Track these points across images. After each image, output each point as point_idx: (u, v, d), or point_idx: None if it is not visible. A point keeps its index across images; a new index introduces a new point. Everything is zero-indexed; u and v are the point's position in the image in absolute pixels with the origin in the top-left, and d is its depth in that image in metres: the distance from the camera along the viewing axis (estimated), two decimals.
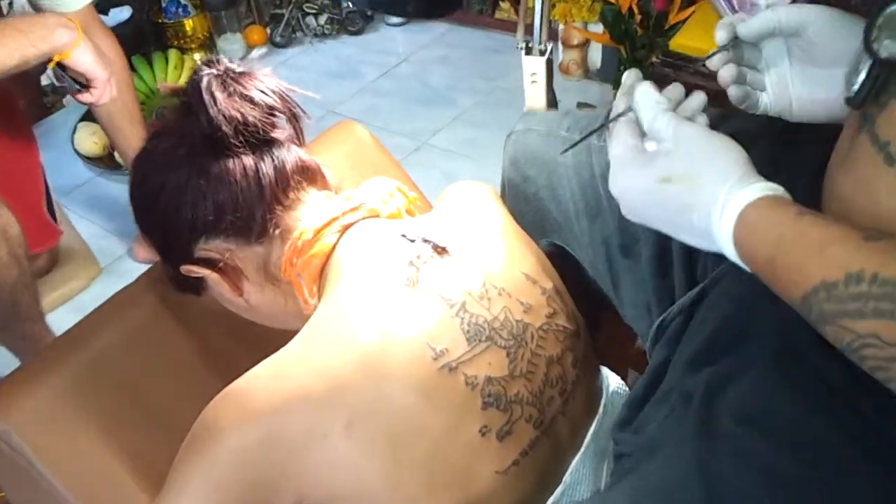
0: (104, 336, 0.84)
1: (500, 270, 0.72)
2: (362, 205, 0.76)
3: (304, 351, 0.65)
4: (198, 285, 0.80)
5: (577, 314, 0.78)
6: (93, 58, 1.26)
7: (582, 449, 0.73)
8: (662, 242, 0.79)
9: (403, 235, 0.72)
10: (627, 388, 0.82)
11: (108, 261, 1.82)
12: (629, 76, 0.63)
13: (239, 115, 0.71)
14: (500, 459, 0.65)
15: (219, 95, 0.71)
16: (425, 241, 0.72)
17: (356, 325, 0.65)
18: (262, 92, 0.74)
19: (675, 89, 0.62)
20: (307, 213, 0.75)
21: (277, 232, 0.74)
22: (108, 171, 2.07)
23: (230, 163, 0.72)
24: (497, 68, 2.36)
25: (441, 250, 0.71)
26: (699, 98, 0.61)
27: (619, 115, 0.62)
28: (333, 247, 0.73)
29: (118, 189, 2.03)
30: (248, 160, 0.73)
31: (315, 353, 0.65)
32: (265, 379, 0.64)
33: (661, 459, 0.61)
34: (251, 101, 0.73)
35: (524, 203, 0.92)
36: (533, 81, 1.18)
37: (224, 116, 0.71)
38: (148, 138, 0.80)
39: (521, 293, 0.72)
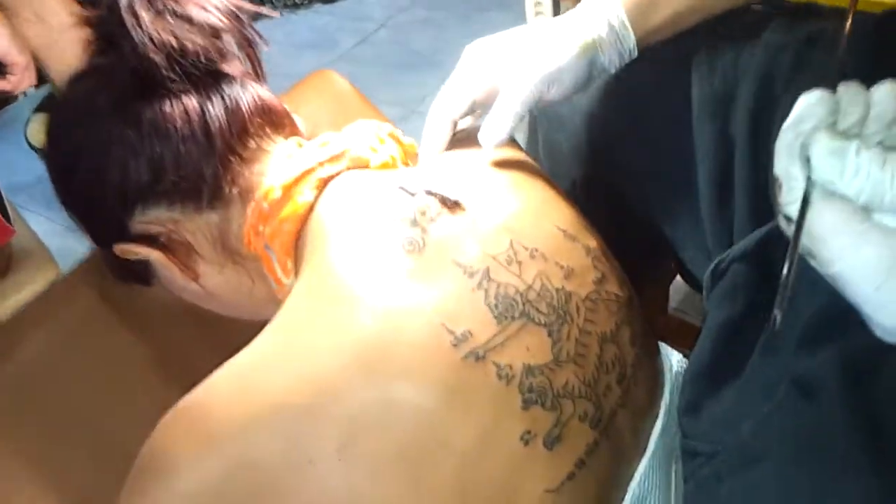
0: (30, 344, 0.67)
1: (531, 226, 0.55)
2: (345, 152, 0.58)
3: (279, 347, 0.48)
4: (143, 271, 0.63)
5: (626, 277, 0.61)
6: (8, 41, 1.08)
7: (649, 451, 0.57)
8: (724, 161, 0.62)
9: (402, 188, 0.55)
10: (686, 362, 0.65)
11: (68, 261, 1.63)
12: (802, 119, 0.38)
13: (173, 40, 0.54)
14: (550, 474, 0.48)
15: (144, 15, 0.54)
16: (430, 193, 0.54)
17: (346, 307, 0.48)
18: (204, 9, 0.56)
19: (881, 93, 0.37)
20: (274, 167, 0.58)
21: (235, 192, 0.57)
22: None
23: (166, 105, 0.55)
24: (485, 27, 2.16)
25: (452, 204, 0.54)
26: None
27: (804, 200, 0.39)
28: (311, 207, 0.55)
29: None
30: (191, 101, 0.56)
31: (293, 348, 0.48)
32: (227, 388, 0.48)
33: (775, 469, 0.44)
34: (189, 20, 0.55)
35: (557, 129, 0.75)
36: (538, 13, 1.01)
37: (153, 42, 0.53)
38: (65, 85, 0.62)
39: (560, 254, 0.55)
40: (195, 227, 0.58)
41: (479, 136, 0.61)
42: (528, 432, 0.47)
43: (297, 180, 0.55)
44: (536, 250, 0.53)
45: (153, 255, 0.58)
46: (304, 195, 0.55)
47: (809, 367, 0.45)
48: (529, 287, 0.51)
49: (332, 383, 0.46)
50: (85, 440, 0.65)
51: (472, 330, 0.48)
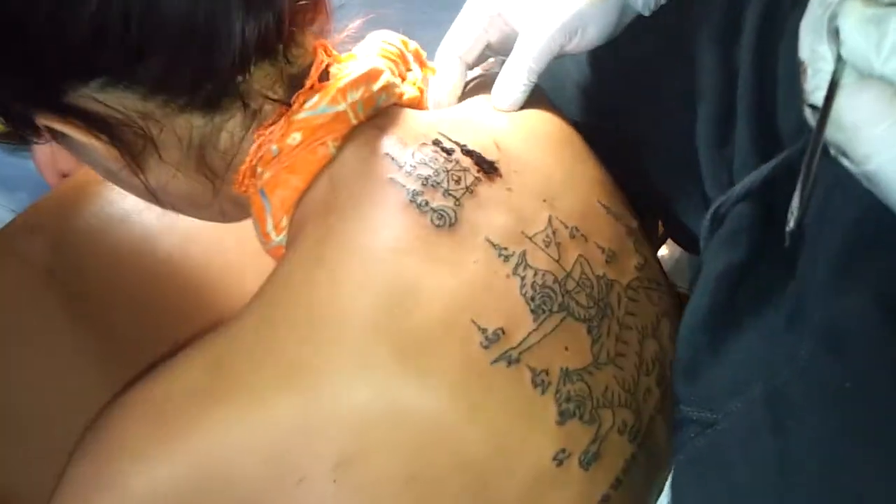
0: None
1: (571, 199, 0.47)
2: (382, 89, 0.47)
3: (265, 332, 0.39)
4: (33, 132, 0.45)
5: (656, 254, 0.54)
6: None
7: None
8: (726, 93, 0.52)
9: (437, 142, 0.46)
10: None
11: None
12: None
13: None
14: (583, 498, 0.41)
15: None
16: (467, 152, 0.46)
17: (353, 292, 0.40)
18: None
19: None
20: (301, 95, 0.45)
21: (243, 105, 0.44)
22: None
23: None
24: None
25: (490, 168, 0.45)
26: None
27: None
28: (329, 161, 0.45)
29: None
30: None
31: (283, 339, 0.39)
32: (199, 377, 0.39)
33: (809, 436, 0.38)
34: None
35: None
36: None
37: None
38: None
39: (601, 234, 0.47)
40: (170, 125, 0.44)
41: (493, 94, 0.52)
42: (563, 451, 0.40)
43: (323, 127, 0.45)
44: (577, 229, 0.46)
45: (94, 144, 0.43)
46: (324, 147, 0.45)
47: (841, 311, 0.38)
48: (568, 275, 0.44)
49: (330, 385, 0.38)
50: (12, 438, 0.55)
51: (506, 327, 0.40)
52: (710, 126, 0.52)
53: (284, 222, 0.45)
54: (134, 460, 0.37)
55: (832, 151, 0.32)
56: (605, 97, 0.60)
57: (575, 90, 0.61)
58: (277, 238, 0.45)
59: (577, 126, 0.54)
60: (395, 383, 0.38)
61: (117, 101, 0.42)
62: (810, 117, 0.32)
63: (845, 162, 0.32)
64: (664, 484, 0.49)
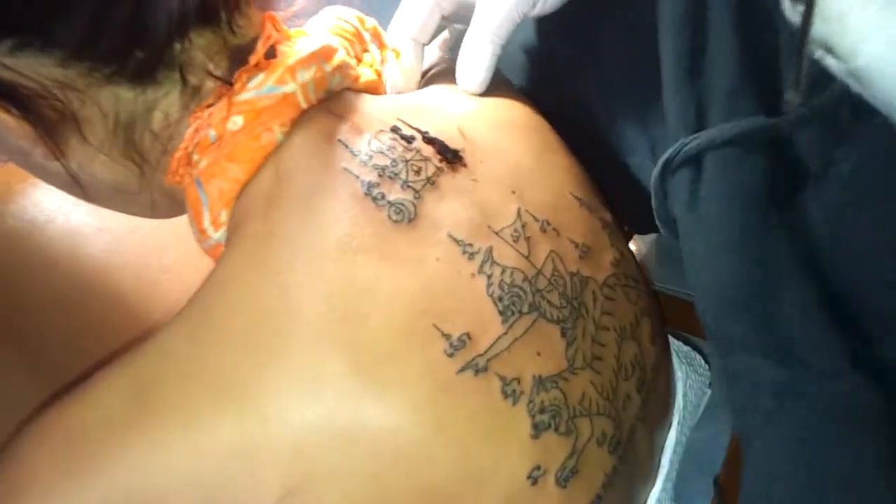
0: None
1: (542, 190, 0.43)
2: (335, 68, 0.43)
3: (195, 347, 0.35)
4: None
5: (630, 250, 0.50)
6: None
7: (664, 471, 0.47)
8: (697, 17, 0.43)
9: (395, 129, 0.42)
10: (703, 360, 0.55)
11: None
12: None
13: None
14: None
15: None
16: (429, 139, 0.41)
17: (299, 295, 0.35)
18: None
19: None
20: (244, 71, 0.40)
21: (180, 78, 0.39)
22: None
23: None
24: None
25: (453, 157, 0.41)
26: None
27: None
28: (275, 148, 0.40)
29: None
30: None
31: (219, 349, 0.34)
32: (118, 401, 0.34)
33: None
34: None
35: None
36: None
37: None
38: None
39: (575, 228, 0.43)
40: (94, 98, 0.38)
41: (457, 74, 0.48)
42: (538, 468, 0.36)
43: (268, 110, 0.40)
44: (548, 223, 0.42)
45: (2, 118, 0.37)
46: (269, 133, 0.40)
47: None
48: (539, 272, 0.40)
49: (274, 404, 0.33)
50: None
51: (472, 332, 0.36)
52: (679, 57, 0.43)
53: (224, 217, 0.40)
54: (44, 496, 0.32)
55: (817, 54, 0.28)
56: (550, 58, 0.56)
57: (521, 55, 0.57)
58: (216, 235, 0.41)
59: (527, 95, 0.50)
60: (349, 400, 0.34)
61: (30, 68, 0.35)
62: (790, 10, 0.29)
63: (831, 62, 0.28)
64: (647, 497, 0.45)
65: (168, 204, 0.44)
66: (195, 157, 0.39)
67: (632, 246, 0.84)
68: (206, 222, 0.40)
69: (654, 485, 0.46)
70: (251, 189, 0.40)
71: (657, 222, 0.45)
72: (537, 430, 0.36)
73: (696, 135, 0.41)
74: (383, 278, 0.36)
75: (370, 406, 0.34)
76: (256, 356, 0.34)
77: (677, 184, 0.42)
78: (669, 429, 0.48)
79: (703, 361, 0.55)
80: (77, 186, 0.41)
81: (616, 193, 0.51)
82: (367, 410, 0.34)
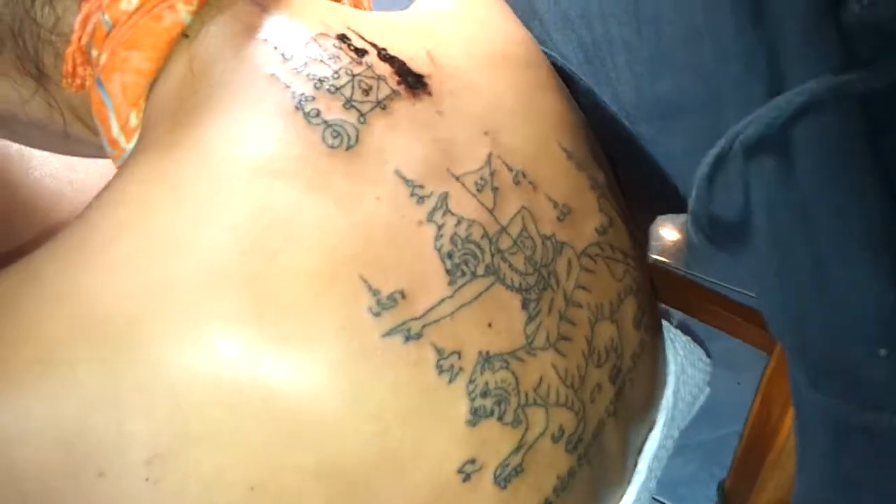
0: None
1: (523, 136, 0.36)
2: None
3: (67, 269, 0.28)
4: None
5: (636, 227, 0.43)
6: None
7: (641, 476, 0.40)
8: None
9: (343, 38, 0.35)
10: (704, 353, 0.49)
11: None
12: None
13: None
14: None
15: None
16: (386, 58, 0.35)
17: (198, 219, 0.29)
18: None
19: None
20: None
21: None
22: None
23: None
24: None
25: (415, 82, 0.35)
26: None
27: None
28: (181, 32, 0.34)
29: None
30: None
31: (92, 276, 0.28)
32: None
33: None
34: None
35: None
36: None
37: None
38: None
39: (556, 184, 0.36)
40: None
41: None
42: (472, 461, 0.30)
43: None
44: (524, 174, 0.35)
45: None
46: (172, 12, 0.33)
47: None
48: (503, 229, 0.33)
49: (149, 345, 0.27)
50: None
51: (408, 290, 0.30)
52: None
53: (134, 121, 0.34)
54: None
55: None
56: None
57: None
58: (128, 146, 0.34)
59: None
60: (242, 350, 0.28)
61: None
62: None
63: None
64: None
65: (80, 127, 0.38)
66: (93, 52, 0.33)
67: (674, 233, 0.77)
68: (115, 129, 0.34)
69: (625, 489, 0.39)
70: (160, 87, 0.33)
71: (691, 225, 0.38)
72: (476, 415, 0.30)
73: (774, 103, 0.32)
74: (305, 212, 0.29)
75: (268, 361, 0.28)
76: (135, 285, 0.28)
77: (755, 171, 0.33)
78: (652, 429, 0.42)
79: (703, 354, 0.48)
80: None
81: (621, 160, 0.44)
82: (265, 366, 0.28)
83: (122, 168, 0.31)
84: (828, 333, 0.31)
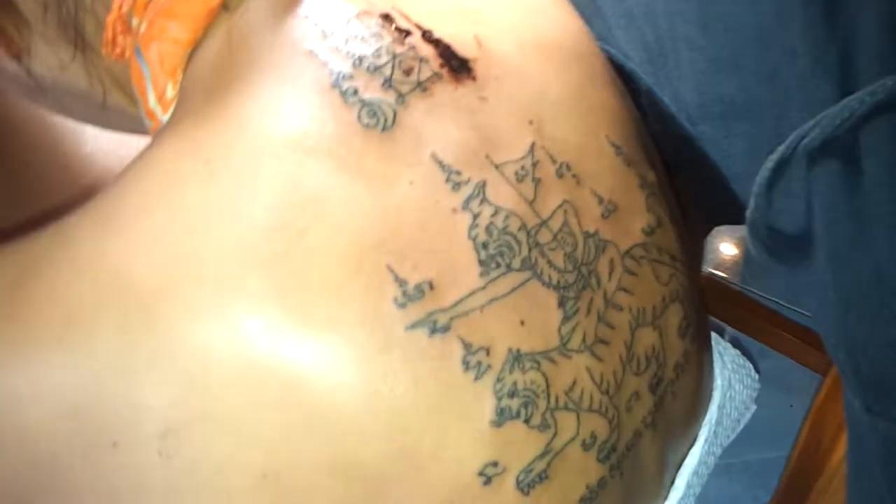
0: None
1: (569, 127, 0.34)
2: None
3: (92, 237, 0.28)
4: None
5: (686, 232, 0.41)
6: None
7: (678, 492, 0.38)
8: None
9: (387, 17, 0.33)
10: (752, 367, 0.46)
11: None
12: None
13: None
14: None
15: None
16: (430, 39, 0.33)
17: (227, 193, 0.28)
18: None
19: None
20: None
21: None
22: None
23: None
24: None
25: (460, 66, 0.33)
26: None
27: None
28: (219, 4, 0.33)
29: None
30: None
31: (117, 245, 0.27)
32: None
33: None
34: None
35: None
36: None
37: None
38: None
39: (602, 180, 0.35)
40: None
41: None
42: (495, 464, 0.29)
43: None
44: (568, 167, 0.33)
45: None
46: None
47: None
48: (543, 223, 0.32)
49: (168, 317, 0.26)
50: None
51: (437, 281, 0.29)
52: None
53: (171, 92, 0.33)
54: None
55: None
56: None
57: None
58: (164, 117, 0.34)
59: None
60: (264, 330, 0.27)
61: None
62: None
63: None
64: None
65: (121, 99, 0.37)
66: (133, 21, 0.33)
67: (722, 242, 0.74)
68: (152, 100, 0.33)
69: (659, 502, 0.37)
70: (198, 58, 0.32)
71: (749, 235, 0.35)
72: (501, 416, 0.29)
73: (844, 103, 0.29)
74: (336, 192, 0.28)
75: (289, 344, 0.26)
76: (161, 257, 0.27)
77: (818, 177, 0.30)
78: (693, 444, 0.40)
79: (752, 370, 0.45)
80: (41, 92, 0.35)
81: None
82: (286, 349, 0.26)
83: (156, 138, 0.31)
84: (886, 352, 0.28)
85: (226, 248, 0.27)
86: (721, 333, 0.47)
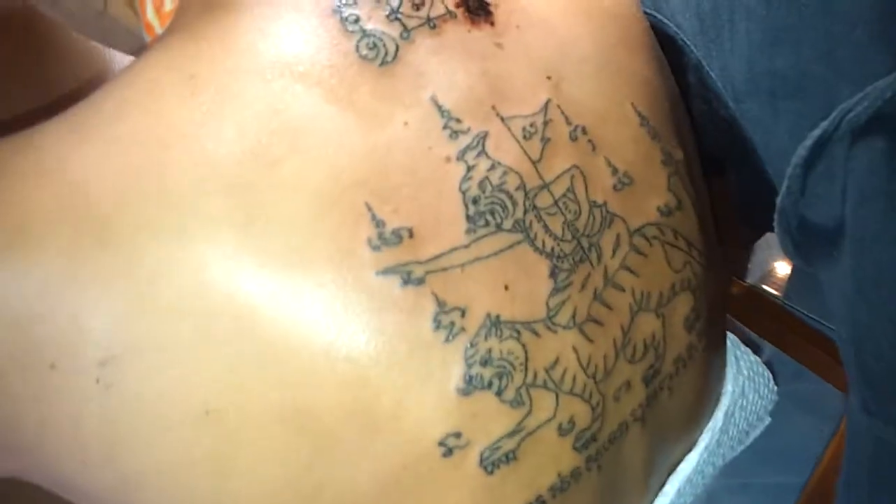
0: None
1: (590, 89, 0.32)
2: None
3: (59, 145, 0.26)
4: None
5: (714, 222, 0.38)
6: None
7: (667, 498, 0.35)
8: None
9: None
10: (770, 378, 0.43)
11: None
12: None
13: None
14: None
15: None
16: None
17: (207, 110, 0.26)
18: None
19: None
20: None
21: None
22: None
23: None
24: None
25: (478, 8, 0.31)
26: None
27: None
28: None
29: None
30: None
31: (83, 156, 0.26)
32: None
33: None
34: None
35: None
36: None
37: None
38: None
39: (621, 150, 0.32)
40: None
41: None
42: (457, 435, 0.26)
43: None
44: (584, 131, 0.31)
45: None
46: None
47: None
48: (545, 186, 0.29)
49: (124, 233, 0.25)
50: None
51: (418, 229, 0.26)
52: None
53: (169, 5, 0.31)
54: None
55: None
56: None
57: None
58: (161, 31, 0.32)
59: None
60: (220, 256, 0.25)
61: None
62: None
63: None
64: None
65: (121, 11, 0.35)
66: None
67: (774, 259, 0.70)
68: (150, 11, 0.32)
69: None
70: None
71: (777, 226, 0.32)
72: (470, 384, 0.26)
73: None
74: (321, 124, 0.26)
75: (248, 275, 0.25)
76: (125, 166, 0.25)
77: (859, 156, 0.27)
78: (692, 450, 0.37)
79: (771, 381, 0.42)
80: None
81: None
82: (243, 280, 0.25)
83: (148, 49, 0.29)
84: None
85: (193, 166, 0.25)
86: (758, 350, 0.43)
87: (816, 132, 0.28)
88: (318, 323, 0.25)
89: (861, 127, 0.26)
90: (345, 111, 0.27)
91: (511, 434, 0.27)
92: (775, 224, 0.32)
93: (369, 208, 0.26)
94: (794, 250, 0.32)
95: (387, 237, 0.26)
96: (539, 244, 0.28)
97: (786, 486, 0.80)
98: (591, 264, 0.30)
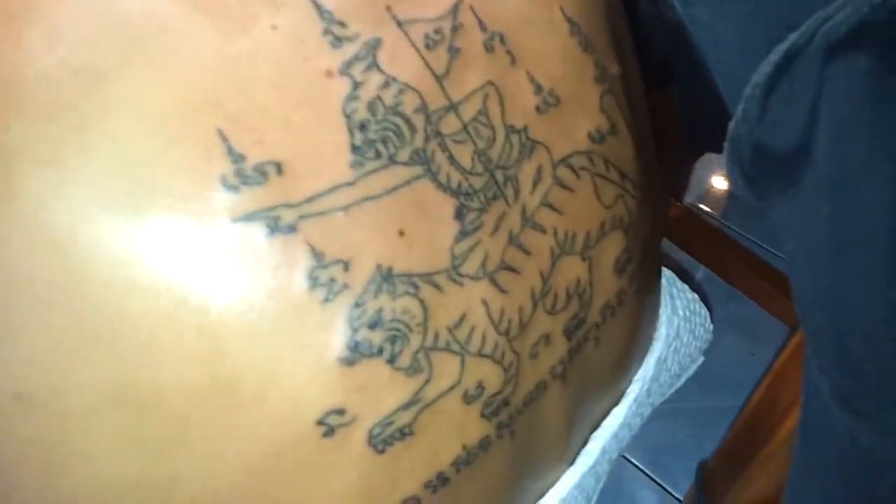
0: None
1: None
2: None
3: None
4: None
5: (653, 148, 0.34)
6: None
7: (590, 459, 0.32)
8: None
9: None
10: (707, 316, 0.39)
11: None
12: None
13: None
14: (365, 498, 0.23)
15: None
16: None
17: (37, 16, 0.20)
18: None
19: None
20: None
21: None
22: None
23: None
24: None
25: None
26: None
27: None
28: None
29: None
30: None
31: None
32: None
33: None
34: None
35: None
36: None
37: None
38: None
39: (546, 64, 0.27)
40: None
41: None
42: (340, 412, 0.22)
43: None
44: (502, 39, 0.25)
45: None
46: None
47: None
48: (452, 107, 0.24)
49: None
50: None
51: (289, 163, 0.21)
52: None
53: None
54: None
55: None
56: None
57: None
58: None
59: None
60: (32, 204, 0.19)
61: None
62: None
63: None
64: (541, 496, 0.31)
65: None
66: None
67: (712, 175, 0.68)
68: None
69: (562, 475, 0.31)
70: None
71: (728, 155, 0.27)
72: (355, 352, 0.22)
73: None
74: (166, 28, 0.21)
75: (64, 224, 0.19)
76: None
77: (835, 77, 0.22)
78: (619, 402, 0.33)
79: (708, 319, 0.39)
80: None
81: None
82: (57, 229, 0.19)
83: None
84: (890, 325, 0.21)
85: (22, 75, 0.19)
86: (693, 273, 0.40)
87: (783, 45, 0.23)
88: (160, 285, 0.20)
89: (840, 40, 0.21)
90: (195, 12, 0.21)
91: (406, 406, 0.23)
92: (725, 153, 0.28)
93: (224, 137, 0.20)
94: (744, 184, 0.27)
95: (247, 174, 0.21)
96: (443, 179, 0.23)
97: (717, 410, 0.80)
98: (507, 202, 0.25)
